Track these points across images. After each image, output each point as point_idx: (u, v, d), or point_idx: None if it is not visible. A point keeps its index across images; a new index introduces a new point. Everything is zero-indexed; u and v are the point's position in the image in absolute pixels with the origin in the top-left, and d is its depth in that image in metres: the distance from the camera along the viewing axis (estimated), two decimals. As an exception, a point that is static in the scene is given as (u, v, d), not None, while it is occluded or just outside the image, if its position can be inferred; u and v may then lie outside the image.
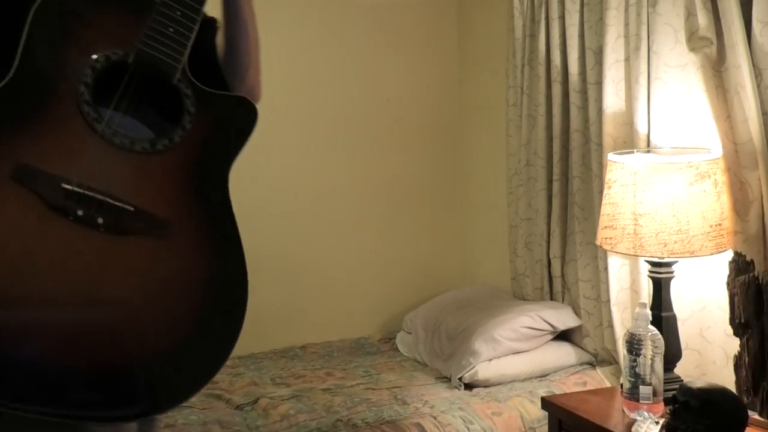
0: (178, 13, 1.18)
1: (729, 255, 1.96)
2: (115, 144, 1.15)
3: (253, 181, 2.74)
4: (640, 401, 1.84)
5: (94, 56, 1.15)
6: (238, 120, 1.24)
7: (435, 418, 2.19)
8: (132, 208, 1.13)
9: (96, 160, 1.13)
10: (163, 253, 1.15)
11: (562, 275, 2.78)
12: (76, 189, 1.10)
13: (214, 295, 1.21)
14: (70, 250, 1.10)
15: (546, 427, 2.19)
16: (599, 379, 2.49)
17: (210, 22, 1.38)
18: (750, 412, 1.76)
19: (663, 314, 2.00)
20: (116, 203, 1.12)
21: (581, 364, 2.61)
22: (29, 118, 1.12)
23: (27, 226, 1.08)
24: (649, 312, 1.89)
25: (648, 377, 1.83)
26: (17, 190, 1.08)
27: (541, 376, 2.54)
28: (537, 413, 2.26)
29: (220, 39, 1.39)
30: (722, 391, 1.71)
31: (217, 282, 1.21)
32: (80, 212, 1.10)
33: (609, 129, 2.42)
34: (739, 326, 1.87)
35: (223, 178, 1.22)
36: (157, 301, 1.14)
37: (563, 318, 2.64)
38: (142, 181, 1.16)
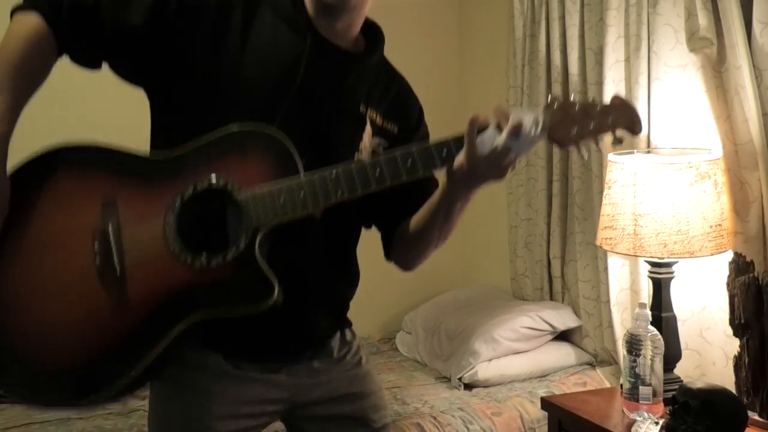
0: (301, 196, 1.25)
1: (729, 255, 1.96)
2: (173, 254, 1.25)
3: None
4: (640, 402, 1.84)
5: (222, 180, 1.26)
6: (247, 294, 1.28)
7: (435, 418, 2.19)
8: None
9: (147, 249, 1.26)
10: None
11: (562, 275, 2.77)
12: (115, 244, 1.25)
13: None
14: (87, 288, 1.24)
15: (545, 428, 2.20)
16: (599, 379, 2.49)
17: (425, 187, 1.40)
18: (750, 413, 1.76)
19: (663, 315, 2.00)
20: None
21: (581, 364, 2.61)
22: (140, 194, 1.28)
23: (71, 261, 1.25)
24: (649, 312, 1.89)
25: (648, 378, 1.83)
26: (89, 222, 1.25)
27: (541, 377, 2.54)
28: (537, 413, 2.25)
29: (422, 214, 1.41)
30: (722, 392, 1.71)
31: None
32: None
33: (609, 129, 2.42)
34: (739, 327, 1.87)
35: (187, 313, 1.27)
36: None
37: (563, 318, 2.64)
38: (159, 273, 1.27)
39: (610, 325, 2.45)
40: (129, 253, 1.25)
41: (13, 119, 1.26)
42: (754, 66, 1.97)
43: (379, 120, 1.44)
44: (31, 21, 1.26)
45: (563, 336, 2.68)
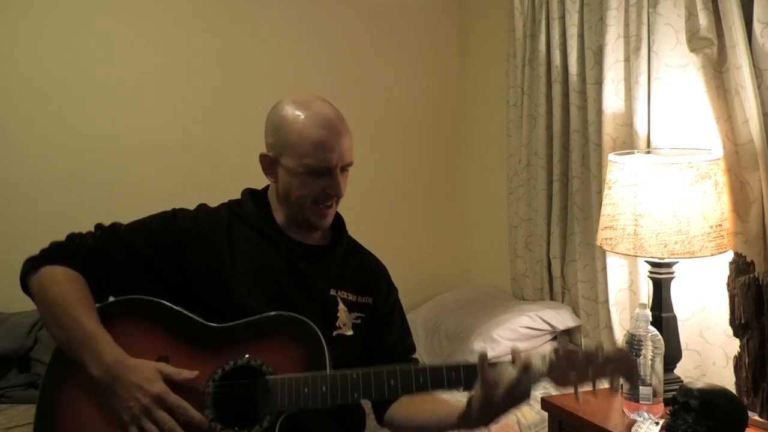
0: (323, 389, 1.43)
1: (729, 256, 1.96)
2: (208, 422, 1.44)
3: (252, 182, 2.74)
4: (640, 402, 1.84)
5: (258, 361, 1.47)
6: None
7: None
8: None
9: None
10: None
11: (562, 276, 2.77)
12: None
13: None
14: None
15: (542, 431, 2.20)
16: (598, 379, 2.49)
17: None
18: (750, 413, 1.75)
19: (663, 315, 2.00)
20: None
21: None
22: (184, 344, 1.50)
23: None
24: (649, 312, 1.88)
25: (648, 378, 1.83)
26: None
27: (540, 377, 2.54)
28: (533, 417, 2.26)
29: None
30: (722, 392, 1.71)
31: None
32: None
33: (608, 129, 2.42)
34: (739, 327, 1.87)
35: None
36: None
37: (562, 318, 2.64)
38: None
39: (609, 326, 2.45)
40: (173, 413, 1.40)
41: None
42: (754, 66, 1.97)
43: (352, 297, 1.66)
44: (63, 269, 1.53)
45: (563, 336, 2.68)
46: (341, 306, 1.64)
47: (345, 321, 1.63)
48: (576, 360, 1.38)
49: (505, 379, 1.36)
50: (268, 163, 1.60)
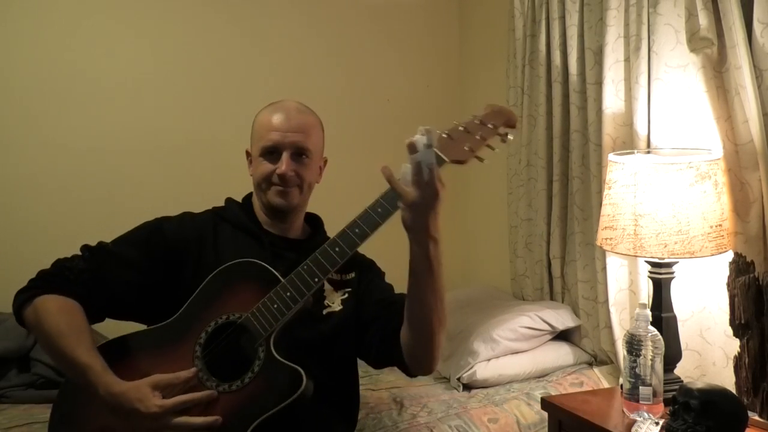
0: (288, 294, 1.52)
1: (729, 256, 1.96)
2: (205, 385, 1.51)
3: (252, 182, 2.74)
4: (640, 402, 1.84)
5: (223, 316, 1.56)
6: (283, 387, 1.49)
7: (431, 430, 2.17)
8: None
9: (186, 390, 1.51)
10: None
11: (562, 276, 2.77)
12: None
13: None
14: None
15: (541, 431, 2.20)
16: (596, 378, 2.49)
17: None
18: (750, 413, 1.75)
19: (663, 315, 1.99)
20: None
21: (579, 364, 2.61)
22: (163, 351, 1.56)
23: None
24: (649, 312, 1.88)
25: (648, 378, 1.83)
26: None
27: (539, 377, 2.54)
28: (533, 417, 2.25)
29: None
30: (722, 392, 1.71)
31: None
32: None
33: (608, 129, 2.42)
34: (739, 327, 1.87)
35: (247, 427, 1.47)
36: None
37: (562, 318, 2.64)
38: (208, 409, 1.50)
39: (609, 326, 2.44)
40: (182, 412, 1.46)
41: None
42: (754, 66, 1.96)
43: (336, 276, 1.74)
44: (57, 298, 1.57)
45: (562, 336, 2.68)
46: (327, 286, 1.72)
47: (333, 299, 1.72)
48: (458, 133, 1.47)
49: (408, 175, 1.41)
50: (248, 160, 1.78)
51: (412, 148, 1.39)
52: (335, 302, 1.71)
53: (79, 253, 1.64)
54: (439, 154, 1.44)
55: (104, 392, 1.46)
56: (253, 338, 1.51)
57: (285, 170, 1.68)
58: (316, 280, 1.52)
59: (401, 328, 1.60)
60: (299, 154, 1.71)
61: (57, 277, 1.58)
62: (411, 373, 1.68)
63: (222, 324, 1.55)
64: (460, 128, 1.48)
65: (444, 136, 1.47)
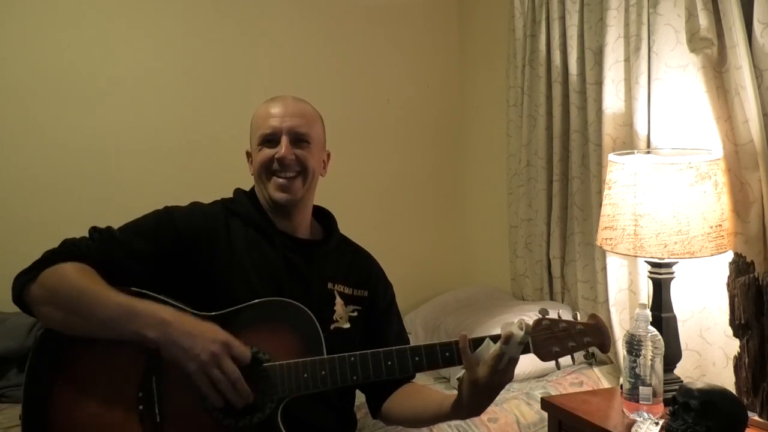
0: (322, 374, 1.46)
1: (729, 256, 1.96)
2: (207, 410, 1.45)
3: (251, 182, 2.74)
4: (640, 402, 1.84)
5: (254, 348, 1.46)
6: None
7: (431, 430, 2.17)
8: None
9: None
10: None
11: (562, 276, 2.77)
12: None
13: None
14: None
15: (541, 431, 2.19)
16: (595, 378, 2.49)
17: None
18: (750, 414, 1.75)
19: (663, 315, 1.99)
20: None
21: (579, 364, 2.61)
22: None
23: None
24: (649, 313, 1.88)
25: (648, 378, 1.83)
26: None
27: (540, 376, 2.54)
28: (533, 417, 2.25)
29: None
30: (722, 392, 1.71)
31: None
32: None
33: (608, 129, 2.42)
34: (739, 327, 1.87)
35: None
36: None
37: (563, 318, 2.64)
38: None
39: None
40: (169, 403, 1.42)
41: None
42: (754, 66, 1.96)
43: (348, 290, 1.70)
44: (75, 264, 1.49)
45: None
46: (338, 299, 1.67)
47: (342, 314, 1.67)
48: (556, 331, 1.46)
49: (487, 354, 1.39)
50: (249, 161, 1.73)
51: (506, 339, 1.36)
52: (343, 318, 1.66)
53: (87, 235, 1.56)
54: (530, 349, 1.45)
55: (170, 317, 1.38)
56: (267, 387, 1.45)
57: (285, 153, 1.61)
58: (354, 378, 1.46)
59: (393, 395, 1.67)
60: (299, 140, 1.65)
61: (65, 253, 1.49)
62: (375, 417, 1.72)
63: (250, 354, 1.46)
64: (560, 326, 1.47)
65: (540, 329, 1.47)
